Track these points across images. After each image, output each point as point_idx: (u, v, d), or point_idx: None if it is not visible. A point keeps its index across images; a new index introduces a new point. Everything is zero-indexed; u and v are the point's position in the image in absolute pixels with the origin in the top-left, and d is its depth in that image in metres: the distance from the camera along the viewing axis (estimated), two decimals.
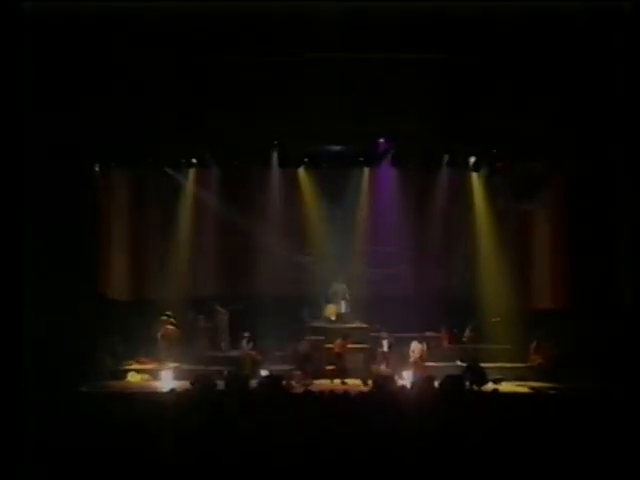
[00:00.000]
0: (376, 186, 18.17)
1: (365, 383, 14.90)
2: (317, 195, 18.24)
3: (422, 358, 15.67)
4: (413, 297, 17.48)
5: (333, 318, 17.31)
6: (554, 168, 17.10)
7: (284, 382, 13.29)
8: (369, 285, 17.91)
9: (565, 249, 16.86)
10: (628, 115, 13.50)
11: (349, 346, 16.30)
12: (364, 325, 17.01)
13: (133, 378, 16.07)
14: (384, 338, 16.24)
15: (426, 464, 6.84)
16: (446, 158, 17.74)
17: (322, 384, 14.84)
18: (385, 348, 16.11)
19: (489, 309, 17.41)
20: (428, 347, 16.11)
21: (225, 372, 13.96)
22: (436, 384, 13.30)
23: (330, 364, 16.12)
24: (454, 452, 7.09)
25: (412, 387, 13.44)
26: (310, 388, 13.62)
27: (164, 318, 16.88)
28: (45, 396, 10.49)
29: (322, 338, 16.40)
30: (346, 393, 12.72)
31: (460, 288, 17.80)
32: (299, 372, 15.32)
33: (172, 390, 12.75)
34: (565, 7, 12.05)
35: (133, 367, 16.33)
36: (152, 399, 11.94)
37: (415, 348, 15.78)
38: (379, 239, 17.98)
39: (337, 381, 15.50)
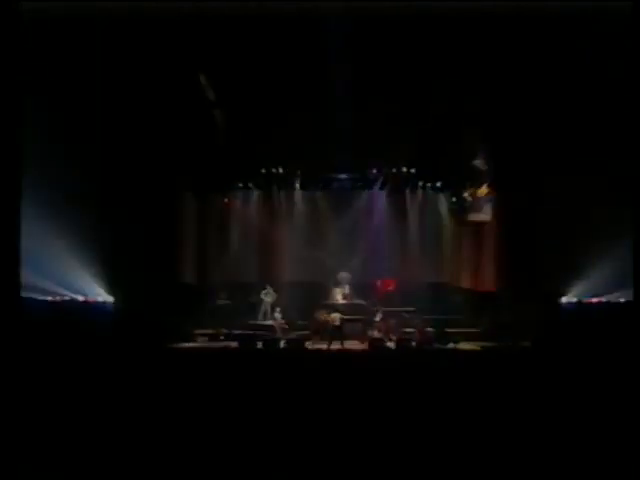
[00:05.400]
0: (370, 204, 18.24)
1: (362, 342, 14.91)
2: (329, 210, 18.24)
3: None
4: (398, 282, 17.54)
5: (340, 297, 17.23)
6: (495, 192, 16.71)
7: (306, 343, 13.85)
8: (366, 274, 17.68)
9: (503, 249, 16.39)
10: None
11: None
12: (362, 302, 16.98)
13: (199, 340, 15.76)
14: (377, 311, 16.22)
15: (403, 395, 6.98)
16: (420, 183, 17.98)
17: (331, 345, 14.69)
18: (377, 319, 16.04)
19: (451, 290, 17.69)
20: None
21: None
22: (413, 344, 13.52)
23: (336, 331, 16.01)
24: (424, 388, 7.29)
25: (396, 347, 13.54)
26: (321, 347, 14.02)
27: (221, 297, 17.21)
28: (136, 352, 10.54)
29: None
30: (348, 351, 12.91)
31: (431, 276, 17.71)
32: (315, 336, 15.24)
33: (225, 348, 12.92)
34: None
35: (199, 332, 16.04)
36: (211, 355, 12.00)
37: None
38: (373, 241, 17.81)
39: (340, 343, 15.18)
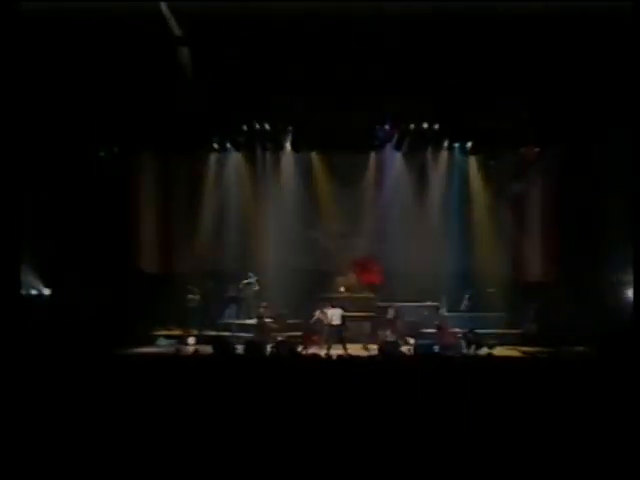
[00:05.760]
0: (381, 168, 17.64)
1: (365, 348, 14.40)
2: (327, 176, 17.65)
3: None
4: (415, 269, 16.89)
5: (342, 289, 16.81)
6: (545, 154, 16.57)
7: (299, 347, 13.56)
8: (376, 257, 17.48)
9: (554, 226, 16.21)
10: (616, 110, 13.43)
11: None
12: (371, 295, 16.63)
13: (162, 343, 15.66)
14: (389, 307, 15.92)
15: (423, 421, 6.35)
16: (446, 142, 17.23)
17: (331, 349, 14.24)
18: (390, 316, 15.70)
19: (485, 280, 16.97)
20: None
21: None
22: (435, 349, 13.67)
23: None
24: (449, 412, 6.56)
25: (414, 352, 13.33)
26: (319, 353, 13.00)
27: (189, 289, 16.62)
28: (79, 360, 10.34)
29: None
30: (351, 358, 12.40)
31: (458, 261, 17.05)
32: (313, 337, 14.96)
33: (195, 354, 12.66)
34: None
35: (162, 333, 15.92)
36: (177, 363, 11.83)
37: None
38: (383, 217, 17.44)
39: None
